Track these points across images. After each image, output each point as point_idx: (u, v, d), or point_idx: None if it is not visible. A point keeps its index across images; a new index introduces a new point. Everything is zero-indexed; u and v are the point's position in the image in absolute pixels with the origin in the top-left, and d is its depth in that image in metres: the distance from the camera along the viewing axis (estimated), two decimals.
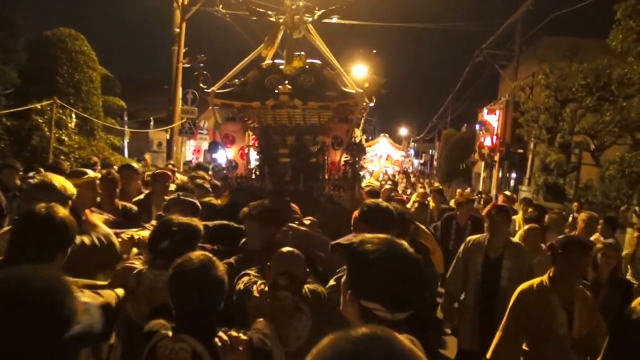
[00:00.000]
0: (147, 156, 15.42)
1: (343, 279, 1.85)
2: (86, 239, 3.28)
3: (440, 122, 43.97)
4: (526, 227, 6.14)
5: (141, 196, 6.01)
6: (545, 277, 3.55)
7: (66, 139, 12.74)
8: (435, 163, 44.35)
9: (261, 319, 2.52)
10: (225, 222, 4.09)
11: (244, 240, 3.71)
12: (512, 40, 22.31)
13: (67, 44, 14.63)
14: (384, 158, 24.13)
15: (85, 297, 2.28)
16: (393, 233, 2.72)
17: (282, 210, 3.84)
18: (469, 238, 5.05)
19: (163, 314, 2.33)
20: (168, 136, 16.90)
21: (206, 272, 2.21)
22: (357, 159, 5.32)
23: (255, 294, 2.82)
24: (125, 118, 21.56)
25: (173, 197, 4.12)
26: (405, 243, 1.82)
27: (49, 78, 14.02)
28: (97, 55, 15.73)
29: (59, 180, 3.25)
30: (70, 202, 3.20)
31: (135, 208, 5.03)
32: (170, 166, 10.59)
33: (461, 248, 4.98)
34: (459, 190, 11.39)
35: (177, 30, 15.71)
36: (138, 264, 2.92)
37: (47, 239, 2.34)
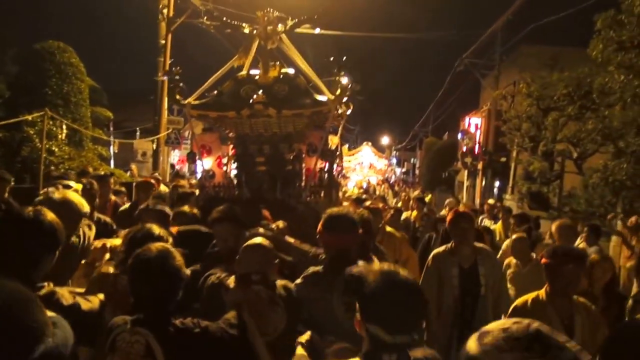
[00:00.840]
0: (133, 166, 15.44)
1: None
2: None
3: (422, 131, 44.42)
4: (513, 237, 6.14)
5: (126, 205, 6.25)
6: (542, 292, 3.39)
7: (56, 149, 12.72)
8: (417, 171, 44.71)
9: (232, 312, 2.62)
10: (196, 227, 4.19)
11: (213, 243, 3.79)
12: (493, 49, 22.67)
13: (56, 57, 14.65)
14: (367, 167, 24.30)
15: (83, 303, 2.46)
16: (354, 238, 3.12)
17: (251, 214, 4.01)
18: (435, 251, 4.83)
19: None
20: (154, 146, 16.89)
21: (162, 262, 2.28)
22: (333, 165, 5.43)
23: (231, 285, 2.91)
24: (111, 128, 21.50)
25: (143, 207, 4.23)
26: (404, 272, 2.06)
27: (38, 90, 14.04)
28: (84, 67, 15.72)
29: (76, 198, 3.37)
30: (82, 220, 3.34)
31: (108, 220, 4.95)
32: (156, 175, 10.70)
33: (429, 262, 4.73)
34: (449, 200, 11.49)
35: (163, 41, 15.78)
36: (112, 270, 3.00)
37: (33, 242, 2.29)
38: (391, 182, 32.24)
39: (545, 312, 3.21)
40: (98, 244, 3.61)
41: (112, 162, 19.41)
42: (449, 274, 4.50)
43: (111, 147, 17.75)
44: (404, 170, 53.14)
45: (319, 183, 5.18)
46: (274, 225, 4.05)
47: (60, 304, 2.28)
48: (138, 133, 22.13)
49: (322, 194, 5.16)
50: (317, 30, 16.56)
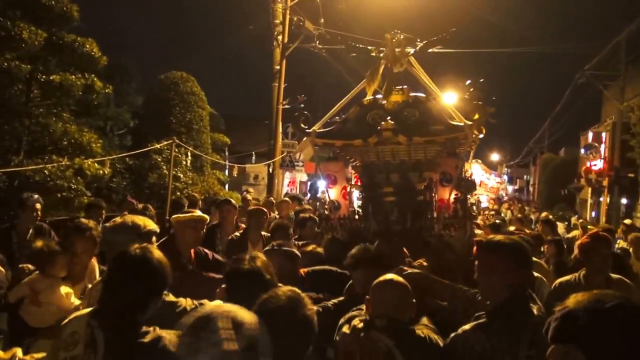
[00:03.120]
0: (251, 190, 15.92)
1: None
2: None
3: (537, 147, 42.36)
4: None
5: (237, 233, 6.06)
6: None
7: (181, 175, 13.37)
8: (531, 189, 42.60)
9: None
10: (329, 267, 3.96)
11: (349, 284, 3.45)
12: (617, 59, 21.20)
13: (180, 86, 15.55)
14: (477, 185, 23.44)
15: None
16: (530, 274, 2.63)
17: (392, 254, 3.57)
18: (557, 281, 4.26)
19: None
20: (270, 170, 17.35)
21: (292, 311, 1.98)
22: (467, 195, 4.98)
23: (346, 330, 2.55)
24: (226, 153, 22.46)
25: (269, 248, 3.84)
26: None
27: (163, 118, 14.92)
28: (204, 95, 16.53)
29: (135, 219, 3.19)
30: (154, 238, 3.17)
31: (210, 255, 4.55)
32: (271, 199, 10.80)
33: (545, 294, 4.07)
34: (580, 220, 10.52)
35: (277, 67, 16.24)
36: None
37: (140, 284, 2.21)
38: (503, 200, 30.82)
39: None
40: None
41: (227, 185, 20.21)
42: None
43: (227, 171, 18.47)
44: (516, 187, 50.82)
45: (453, 215, 4.72)
46: (417, 263, 3.66)
47: (167, 351, 2.08)
48: (254, 157, 22.95)
49: (455, 227, 4.67)
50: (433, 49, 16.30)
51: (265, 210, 6.37)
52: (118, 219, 3.31)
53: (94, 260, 3.93)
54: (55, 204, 9.43)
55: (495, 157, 54.78)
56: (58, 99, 10.79)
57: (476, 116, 4.51)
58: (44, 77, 10.31)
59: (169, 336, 2.15)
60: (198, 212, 4.34)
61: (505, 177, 51.12)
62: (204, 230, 4.38)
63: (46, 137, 10.52)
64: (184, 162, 13.83)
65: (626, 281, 4.08)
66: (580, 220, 10.29)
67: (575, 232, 9.29)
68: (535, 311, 2.39)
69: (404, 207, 4.77)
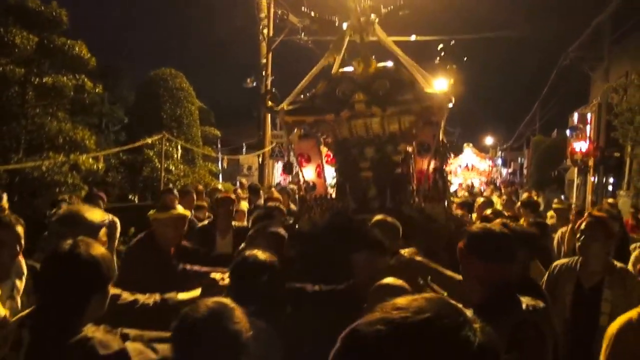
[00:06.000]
0: (244, 180, 16.52)
1: None
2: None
3: (529, 129, 42.70)
4: None
5: (205, 222, 6.05)
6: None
7: (173, 168, 13.93)
8: (525, 171, 43.02)
9: None
10: (320, 248, 3.77)
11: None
12: (601, 40, 21.55)
13: (169, 82, 16.08)
14: (468, 169, 23.84)
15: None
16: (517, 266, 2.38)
17: (386, 230, 3.40)
18: (555, 263, 3.98)
19: None
20: (260, 160, 17.92)
21: (213, 327, 1.86)
22: (444, 164, 4.91)
23: None
24: (219, 145, 23.02)
25: (255, 230, 3.77)
26: None
27: (154, 114, 15.45)
28: (193, 90, 17.08)
29: (85, 211, 3.03)
30: (102, 233, 2.99)
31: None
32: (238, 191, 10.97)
33: (545, 277, 3.85)
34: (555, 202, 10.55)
35: (264, 60, 16.78)
36: None
37: (70, 282, 2.03)
38: (497, 183, 31.27)
39: None
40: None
41: (220, 176, 20.76)
42: (563, 291, 3.66)
43: (220, 163, 19.04)
44: (510, 170, 51.22)
45: (432, 186, 4.61)
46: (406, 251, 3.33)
47: (94, 353, 1.97)
48: (244, 149, 23.51)
49: (435, 200, 4.53)
50: (413, 37, 16.73)
51: (233, 198, 6.19)
52: (63, 209, 3.24)
53: (20, 257, 3.51)
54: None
55: (489, 140, 55.22)
56: (52, 100, 11.31)
57: (451, 80, 4.37)
58: (37, 79, 10.84)
59: (101, 336, 2.04)
60: (179, 209, 4.15)
61: (500, 161, 51.62)
62: (186, 227, 4.22)
63: (42, 136, 11.03)
64: (175, 155, 14.38)
65: (625, 269, 3.76)
66: (555, 203, 10.11)
67: (550, 216, 8.89)
68: (523, 306, 2.23)
69: (381, 182, 4.61)
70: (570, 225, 6.78)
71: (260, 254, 2.60)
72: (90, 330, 2.02)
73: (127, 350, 2.01)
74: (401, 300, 1.02)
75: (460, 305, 1.04)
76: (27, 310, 2.15)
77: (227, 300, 1.98)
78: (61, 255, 2.05)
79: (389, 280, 2.59)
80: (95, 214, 3.00)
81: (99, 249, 2.14)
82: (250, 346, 1.83)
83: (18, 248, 3.03)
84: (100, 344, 1.96)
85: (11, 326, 2.10)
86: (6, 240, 2.99)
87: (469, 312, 1.04)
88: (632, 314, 2.66)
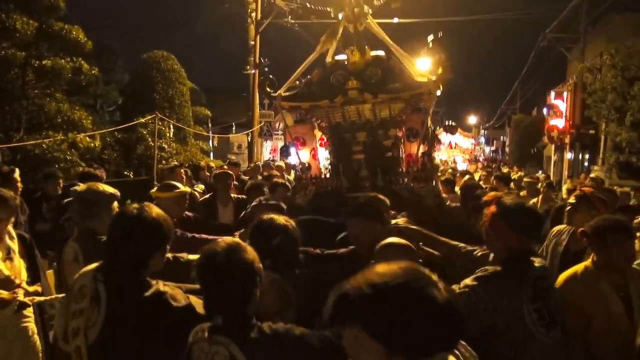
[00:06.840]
0: (233, 157, 17.15)
1: None
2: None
3: (510, 108, 43.56)
4: None
5: (206, 196, 6.25)
6: (588, 262, 2.89)
7: (166, 146, 14.62)
8: (507, 149, 43.97)
9: None
10: (315, 217, 3.97)
11: (341, 236, 3.47)
12: (577, 22, 22.22)
13: (161, 64, 16.72)
14: (451, 146, 24.52)
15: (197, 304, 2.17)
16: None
17: (378, 204, 3.51)
18: (555, 228, 4.11)
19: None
20: (249, 139, 18.58)
21: (230, 256, 1.96)
22: (432, 148, 5.19)
23: None
24: (210, 125, 23.63)
25: (256, 203, 3.95)
26: None
27: (147, 95, 16.14)
28: (184, 71, 17.68)
29: (100, 186, 3.36)
30: (115, 202, 3.31)
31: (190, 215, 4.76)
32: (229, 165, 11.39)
33: (545, 241, 4.01)
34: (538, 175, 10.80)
35: (252, 42, 17.34)
36: None
37: (142, 240, 2.28)
38: (481, 159, 32.14)
39: (597, 285, 2.80)
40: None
41: (211, 154, 21.43)
42: (555, 251, 3.85)
43: (210, 142, 19.68)
44: (493, 148, 52.21)
45: (421, 168, 4.84)
46: (400, 219, 3.57)
47: (168, 304, 2.16)
48: (234, 128, 24.14)
49: (424, 180, 4.77)
50: (396, 20, 17.32)
51: (231, 173, 6.45)
52: (81, 186, 3.54)
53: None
54: None
55: (472, 119, 56.18)
56: (51, 81, 11.97)
57: (440, 70, 4.59)
58: (37, 62, 11.52)
59: (171, 290, 2.22)
60: (180, 187, 4.36)
61: (483, 139, 52.59)
62: (187, 202, 4.45)
63: (42, 116, 11.73)
64: (168, 134, 15.05)
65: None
66: (526, 178, 10.29)
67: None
68: (536, 264, 2.48)
69: (372, 163, 4.90)
70: (541, 196, 7.69)
71: (276, 217, 2.77)
72: (161, 285, 2.23)
73: (192, 303, 2.19)
74: (380, 267, 1.33)
75: (430, 271, 1.34)
76: (92, 266, 2.31)
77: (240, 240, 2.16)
78: (130, 217, 2.31)
79: (394, 239, 2.67)
80: (109, 188, 3.37)
81: (161, 213, 2.39)
82: (262, 275, 2.02)
83: (12, 219, 3.61)
84: (172, 297, 2.17)
85: (84, 280, 2.24)
86: (4, 213, 3.47)
87: (434, 276, 1.31)
88: (578, 267, 2.90)
